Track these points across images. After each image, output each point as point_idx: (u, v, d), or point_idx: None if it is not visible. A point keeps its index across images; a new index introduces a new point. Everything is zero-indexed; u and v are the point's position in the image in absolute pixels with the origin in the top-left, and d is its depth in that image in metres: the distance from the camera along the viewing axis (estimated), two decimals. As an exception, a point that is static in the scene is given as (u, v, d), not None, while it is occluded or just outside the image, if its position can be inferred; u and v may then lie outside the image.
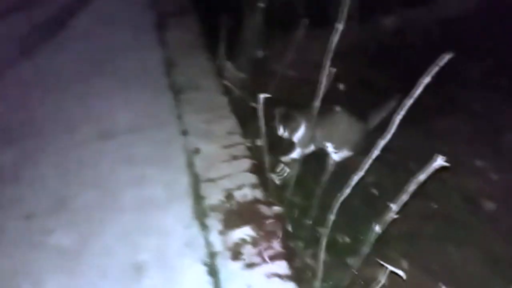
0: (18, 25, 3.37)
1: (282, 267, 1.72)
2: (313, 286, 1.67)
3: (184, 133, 2.41)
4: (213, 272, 1.73)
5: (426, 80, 1.13)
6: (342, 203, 1.40)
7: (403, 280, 1.23)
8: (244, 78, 2.62)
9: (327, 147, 1.42)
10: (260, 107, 1.71)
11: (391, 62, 2.87)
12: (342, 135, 2.18)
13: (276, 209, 1.99)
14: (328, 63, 1.54)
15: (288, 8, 3.00)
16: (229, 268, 1.73)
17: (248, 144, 2.35)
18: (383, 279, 1.32)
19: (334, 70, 1.65)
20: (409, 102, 1.17)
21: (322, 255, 1.55)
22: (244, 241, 1.83)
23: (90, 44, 3.14)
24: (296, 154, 2.20)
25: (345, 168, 2.06)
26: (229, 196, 2.03)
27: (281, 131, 2.12)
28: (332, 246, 1.82)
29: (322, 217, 1.67)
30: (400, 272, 1.17)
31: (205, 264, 1.75)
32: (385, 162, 2.19)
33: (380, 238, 1.43)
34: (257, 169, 2.16)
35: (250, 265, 1.74)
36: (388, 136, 1.21)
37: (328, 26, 1.52)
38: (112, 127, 2.45)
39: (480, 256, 1.82)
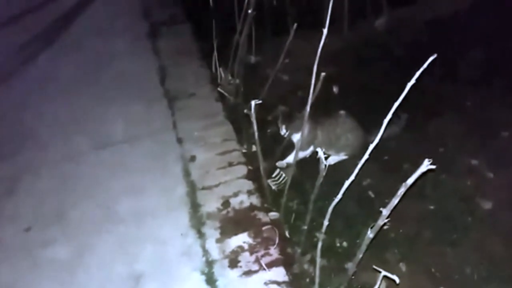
0: (12, 37, 3.37)
1: (279, 273, 1.72)
2: (311, 292, 1.67)
3: (180, 141, 2.41)
4: (211, 280, 1.73)
5: (412, 82, 1.14)
6: (338, 207, 1.40)
7: (398, 284, 1.23)
8: (237, 84, 2.62)
9: (320, 151, 1.41)
10: (252, 113, 1.71)
11: (383, 63, 2.88)
12: (344, 139, 2.19)
13: (273, 215, 1.99)
14: (316, 67, 1.54)
15: (279, 13, 3.01)
16: (227, 276, 1.73)
17: (244, 150, 2.36)
18: (380, 284, 1.31)
19: (323, 74, 1.66)
20: (395, 104, 1.17)
21: (319, 261, 1.54)
22: (241, 248, 1.83)
23: (84, 54, 3.15)
24: (291, 158, 2.21)
25: (343, 172, 2.08)
26: (225, 203, 2.03)
27: (283, 131, 2.12)
28: (329, 251, 1.83)
29: (318, 222, 1.67)
30: (395, 277, 1.17)
31: (203, 273, 1.75)
32: (380, 165, 2.21)
33: (377, 242, 1.43)
34: (253, 175, 2.17)
35: (248, 273, 1.73)
36: (376, 140, 1.21)
37: (319, 29, 1.53)
38: (107, 137, 2.45)
39: (478, 257, 1.81)
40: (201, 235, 1.90)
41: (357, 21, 3.13)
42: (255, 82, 2.63)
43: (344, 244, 1.89)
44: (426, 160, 1.07)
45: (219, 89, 2.74)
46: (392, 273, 1.22)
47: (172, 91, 2.75)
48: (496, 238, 1.88)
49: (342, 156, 2.25)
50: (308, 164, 2.18)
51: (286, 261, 1.78)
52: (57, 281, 1.78)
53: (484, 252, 1.83)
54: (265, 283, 1.69)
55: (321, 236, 1.46)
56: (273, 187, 2.16)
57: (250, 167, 2.23)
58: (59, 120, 2.59)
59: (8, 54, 3.21)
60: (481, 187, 2.10)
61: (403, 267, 1.79)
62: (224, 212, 2.00)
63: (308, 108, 1.65)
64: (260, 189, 2.09)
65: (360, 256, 1.40)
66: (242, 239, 1.86)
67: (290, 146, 2.21)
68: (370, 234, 1.31)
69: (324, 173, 1.43)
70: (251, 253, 1.80)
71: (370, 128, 2.15)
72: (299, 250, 1.83)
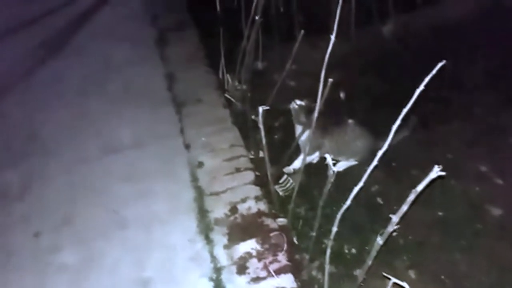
0: (19, 44, 3.40)
1: (288, 280, 1.72)
2: (319, 299, 1.66)
3: (187, 146, 2.42)
4: (219, 287, 1.73)
5: (421, 88, 1.14)
6: (347, 213, 1.39)
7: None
8: (244, 90, 2.63)
9: (328, 157, 1.41)
10: (260, 119, 1.72)
11: (391, 68, 2.87)
12: (353, 146, 2.19)
13: (281, 221, 1.99)
14: (323, 72, 1.54)
15: (286, 20, 3.02)
16: (235, 283, 1.73)
17: (251, 156, 2.36)
18: (389, 291, 1.31)
19: (331, 80, 1.66)
20: (404, 110, 1.17)
21: (328, 267, 1.54)
22: (249, 254, 1.83)
23: (92, 59, 3.16)
24: (298, 163, 2.21)
25: (350, 178, 2.08)
26: (233, 209, 2.03)
27: (298, 126, 2.17)
28: (338, 257, 1.82)
29: (326, 228, 1.67)
30: (404, 284, 1.16)
31: (211, 279, 1.75)
32: (388, 171, 2.20)
33: (386, 248, 1.42)
34: (261, 181, 2.17)
35: (256, 279, 1.73)
36: (385, 146, 1.21)
37: (326, 35, 1.53)
38: (115, 142, 2.47)
39: (488, 263, 1.80)
40: (209, 241, 1.91)
41: (364, 26, 3.13)
42: (262, 88, 2.63)
43: (353, 250, 1.88)
44: (436, 166, 1.06)
45: (226, 95, 2.75)
46: (402, 280, 1.21)
47: (179, 97, 2.76)
48: (506, 244, 1.87)
49: (351, 162, 2.24)
50: (316, 170, 2.18)
51: (294, 268, 1.78)
52: (65, 286, 1.79)
53: (494, 258, 1.82)
54: (274, 290, 1.69)
55: (329, 242, 1.46)
56: (281, 193, 2.16)
57: (257, 173, 2.23)
58: (67, 127, 2.61)
59: (16, 60, 3.23)
60: (490, 194, 2.09)
61: (412, 274, 1.78)
62: (232, 218, 2.00)
63: (316, 113, 1.65)
64: (267, 195, 2.09)
65: (369, 262, 1.39)
66: (250, 245, 1.86)
67: (297, 152, 2.21)
68: (379, 240, 1.30)
69: (332, 179, 1.43)
70: (259, 260, 1.80)
71: (378, 133, 2.15)
72: (307, 257, 1.83)
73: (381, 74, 2.84)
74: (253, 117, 1.87)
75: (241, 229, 1.94)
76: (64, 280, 1.81)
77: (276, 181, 2.18)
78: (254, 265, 1.78)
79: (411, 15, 3.30)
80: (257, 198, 2.08)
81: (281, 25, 3.02)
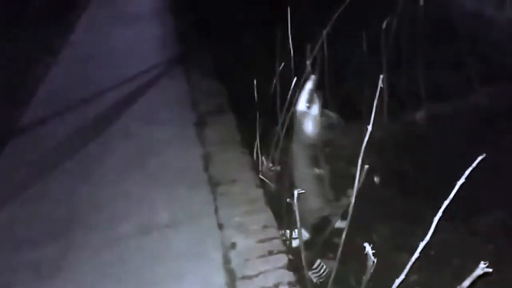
0: (61, 128, 3.65)
1: None
2: None
3: (220, 226, 2.43)
4: None
5: (461, 181, 1.15)
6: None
7: None
8: (278, 171, 2.69)
9: (368, 246, 1.39)
10: (295, 202, 1.74)
11: (425, 155, 2.88)
12: None
13: (315, 310, 1.90)
14: (360, 160, 1.59)
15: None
16: None
17: (284, 238, 2.34)
18: None
19: (367, 166, 1.69)
20: (445, 202, 1.17)
21: None
22: None
23: (132, 142, 3.35)
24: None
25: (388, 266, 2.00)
26: (265, 294, 1.98)
27: None
28: None
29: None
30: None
31: None
32: (428, 260, 2.10)
33: None
34: (294, 266, 2.12)
35: None
36: (427, 238, 1.19)
37: (359, 122, 1.60)
38: (151, 221, 2.52)
39: None
40: (240, 328, 1.84)
41: (397, 112, 3.21)
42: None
43: None
44: (482, 262, 1.04)
45: (260, 176, 2.81)
46: None
47: (215, 177, 2.85)
48: None
49: None
50: (350, 258, 2.12)
51: None
52: None
53: None
54: None
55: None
56: (315, 280, 2.09)
57: (291, 257, 2.19)
58: (106, 205, 2.70)
59: (57, 144, 3.45)
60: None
61: None
62: (264, 304, 1.93)
63: (353, 199, 1.66)
64: (301, 280, 2.03)
65: None
66: (282, 335, 1.78)
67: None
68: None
69: (372, 270, 1.40)
70: None
71: (412, 221, 2.11)
72: None
73: (416, 160, 2.84)
74: (288, 200, 1.90)
75: (274, 316, 1.87)
76: None
77: (310, 266, 2.13)
78: None
79: (444, 103, 3.37)
80: (290, 284, 2.02)
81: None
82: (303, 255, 1.90)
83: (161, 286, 2.08)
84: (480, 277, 1.10)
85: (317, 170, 2.25)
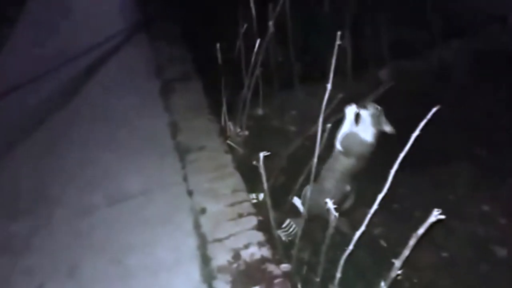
0: (28, 97, 3.52)
1: (293, 328, 1.68)
2: None
3: (190, 193, 2.44)
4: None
5: (416, 133, 1.18)
6: (350, 257, 1.40)
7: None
8: (246, 136, 2.69)
9: (329, 201, 1.44)
10: (261, 164, 1.76)
11: (389, 113, 2.94)
12: None
13: (285, 267, 1.97)
14: (321, 119, 1.60)
15: (285, 68, 3.14)
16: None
17: (254, 201, 2.38)
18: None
19: (329, 125, 1.72)
20: (401, 155, 1.21)
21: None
22: (253, 302, 1.80)
23: (98, 112, 3.26)
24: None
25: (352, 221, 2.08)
26: (236, 256, 2.02)
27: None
28: (343, 303, 1.79)
29: (331, 273, 1.66)
30: None
31: (215, 329, 1.72)
32: (391, 213, 2.20)
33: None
34: (264, 226, 2.17)
35: (261, 328, 1.70)
36: (385, 190, 1.24)
37: (323, 83, 1.61)
38: (120, 191, 2.49)
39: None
40: (212, 289, 1.89)
41: (361, 72, 3.24)
42: (263, 134, 2.70)
43: (359, 296, 1.85)
44: (435, 210, 1.09)
45: (228, 141, 2.81)
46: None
47: (183, 144, 2.82)
48: (514, 286, 1.83)
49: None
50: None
51: (299, 315, 1.75)
52: None
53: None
54: None
55: (334, 288, 1.45)
56: (284, 238, 2.15)
57: (260, 218, 2.24)
58: (73, 178, 2.65)
59: (22, 115, 3.33)
60: (495, 234, 2.08)
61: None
62: (235, 265, 1.99)
63: (315, 159, 1.69)
64: (270, 240, 2.08)
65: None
66: (254, 293, 1.84)
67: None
68: (384, 286, 1.30)
69: (334, 224, 1.44)
70: (264, 307, 1.78)
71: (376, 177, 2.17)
72: (312, 303, 1.80)
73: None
74: (254, 162, 1.92)
75: (245, 276, 1.93)
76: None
77: (279, 226, 2.18)
78: (258, 314, 1.75)
79: (407, 61, 3.42)
80: (260, 244, 2.08)
81: (280, 74, 3.13)
82: (271, 215, 1.95)
83: (133, 253, 2.10)
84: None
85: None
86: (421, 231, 1.18)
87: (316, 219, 2.06)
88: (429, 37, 3.56)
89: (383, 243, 2.08)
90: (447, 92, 2.97)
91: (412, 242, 1.22)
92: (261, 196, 2.36)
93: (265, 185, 1.84)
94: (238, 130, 2.79)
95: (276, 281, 1.88)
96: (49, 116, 3.23)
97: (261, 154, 1.75)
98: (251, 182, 2.45)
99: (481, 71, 3.19)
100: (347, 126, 2.13)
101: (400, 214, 2.20)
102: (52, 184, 2.62)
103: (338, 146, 2.14)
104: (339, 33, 1.53)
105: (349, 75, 3.07)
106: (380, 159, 2.29)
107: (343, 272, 1.44)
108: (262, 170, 1.78)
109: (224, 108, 2.85)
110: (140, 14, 4.91)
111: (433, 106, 1.23)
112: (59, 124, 3.16)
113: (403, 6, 3.59)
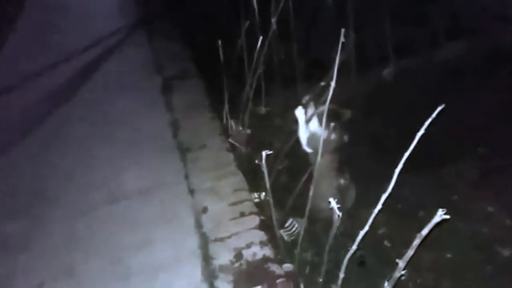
0: (27, 97, 3.50)
1: (295, 329, 1.66)
2: None
3: (192, 192, 2.42)
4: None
5: (421, 132, 1.16)
6: (354, 258, 1.38)
7: None
8: (248, 134, 2.67)
9: (333, 201, 1.41)
10: (263, 163, 1.74)
11: (392, 111, 2.92)
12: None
13: (287, 267, 1.95)
14: (325, 118, 1.58)
15: (288, 67, 3.11)
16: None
17: (256, 200, 2.36)
18: None
19: (332, 124, 1.70)
20: (406, 154, 1.18)
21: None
22: (255, 303, 1.78)
23: (97, 111, 3.24)
24: None
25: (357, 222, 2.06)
26: (238, 255, 2.00)
27: None
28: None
29: (334, 273, 1.64)
30: None
31: (216, 330, 1.70)
32: (395, 213, 2.18)
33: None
34: (266, 226, 2.15)
35: (263, 329, 1.68)
36: (389, 189, 1.22)
37: (327, 80, 1.59)
38: (120, 190, 2.47)
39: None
40: (214, 289, 1.87)
41: (364, 70, 3.21)
42: (265, 132, 2.68)
43: (362, 297, 1.83)
44: (440, 210, 1.07)
45: (230, 140, 2.79)
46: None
47: (184, 143, 2.80)
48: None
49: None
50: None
51: (301, 316, 1.73)
52: None
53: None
54: None
55: (337, 289, 1.43)
56: (286, 238, 2.14)
57: (262, 217, 2.22)
58: (73, 177, 2.63)
59: (22, 113, 3.32)
60: (499, 234, 2.05)
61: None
62: (237, 264, 1.96)
63: (319, 158, 1.67)
64: (273, 239, 2.06)
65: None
66: (256, 293, 1.82)
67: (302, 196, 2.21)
68: (387, 286, 1.28)
69: (337, 224, 1.42)
70: (266, 308, 1.76)
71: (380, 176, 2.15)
72: (315, 304, 1.78)
73: (382, 116, 2.88)
74: (256, 161, 1.90)
75: (247, 276, 1.90)
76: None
77: (281, 226, 2.16)
78: (260, 314, 1.73)
79: (410, 59, 3.39)
80: (262, 243, 2.05)
81: (282, 72, 3.11)
82: (273, 215, 1.93)
83: (133, 253, 2.08)
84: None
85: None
86: (425, 231, 1.16)
87: (319, 221, 2.04)
88: (432, 36, 3.53)
89: (387, 243, 2.06)
90: (450, 91, 2.94)
91: (416, 242, 1.20)
92: (263, 195, 2.34)
93: (268, 184, 1.82)
94: (240, 128, 2.77)
95: (279, 281, 1.86)
96: (48, 115, 3.21)
97: (264, 153, 1.73)
98: (253, 181, 2.43)
99: (485, 70, 3.17)
100: (302, 128, 2.19)
101: (404, 214, 2.18)
102: (51, 183, 2.60)
103: (306, 149, 2.19)
104: (342, 30, 1.51)
105: (353, 73, 3.05)
106: (383, 159, 2.29)
107: (346, 272, 1.42)
108: (264, 169, 1.75)
109: (226, 106, 2.83)
110: (140, 12, 4.89)
111: (436, 106, 1.21)
112: (59, 123, 3.14)
113: (407, 5, 3.57)
